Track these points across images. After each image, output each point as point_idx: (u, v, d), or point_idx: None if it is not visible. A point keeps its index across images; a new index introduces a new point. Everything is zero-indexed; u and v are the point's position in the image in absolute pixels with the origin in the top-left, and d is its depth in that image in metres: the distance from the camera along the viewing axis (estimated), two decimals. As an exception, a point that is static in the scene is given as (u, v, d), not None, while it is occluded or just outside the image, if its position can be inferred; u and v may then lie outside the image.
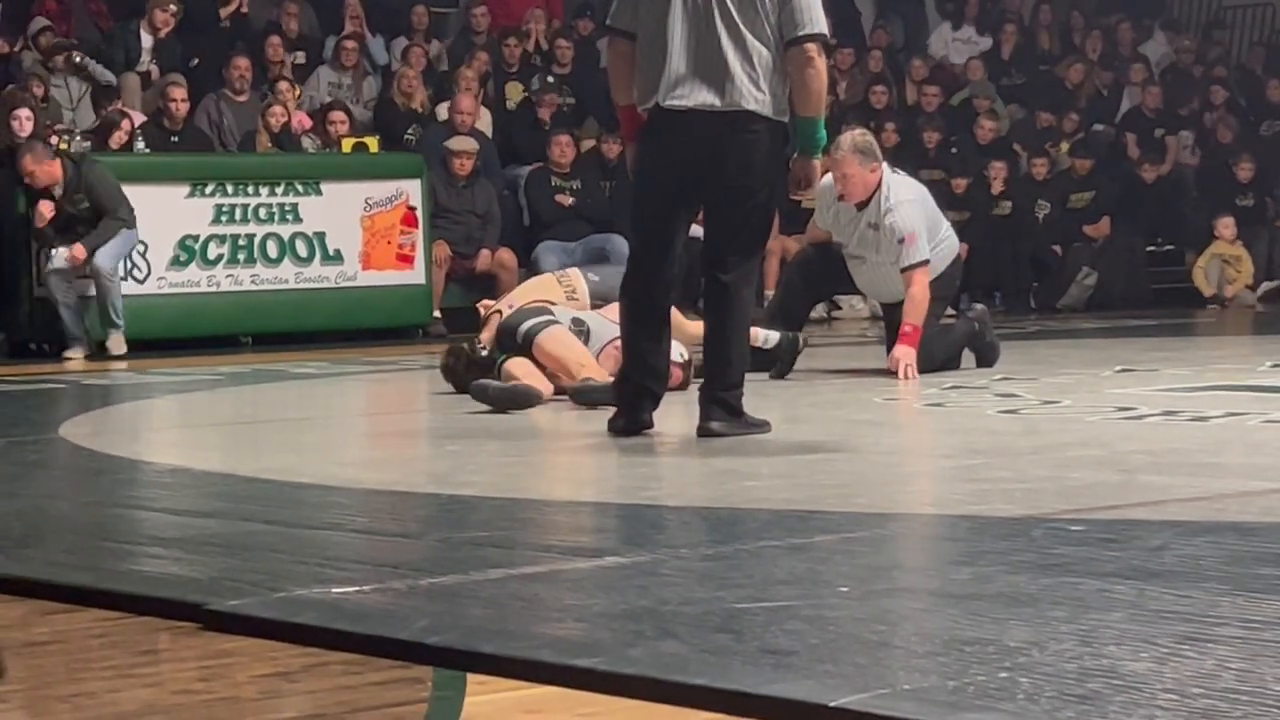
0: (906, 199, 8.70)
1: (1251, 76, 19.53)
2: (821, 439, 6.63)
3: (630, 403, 6.44)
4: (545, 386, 7.73)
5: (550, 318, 8.10)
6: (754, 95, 6.21)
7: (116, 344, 12.01)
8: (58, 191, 12.09)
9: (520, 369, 7.78)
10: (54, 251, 12.03)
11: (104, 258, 12.00)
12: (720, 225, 6.36)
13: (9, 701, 2.98)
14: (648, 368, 6.44)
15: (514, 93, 15.83)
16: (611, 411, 6.52)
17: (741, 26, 6.22)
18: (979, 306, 9.83)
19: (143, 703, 2.91)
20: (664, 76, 6.25)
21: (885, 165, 8.77)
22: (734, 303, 6.36)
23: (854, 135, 8.82)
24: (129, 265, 12.60)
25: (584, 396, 7.54)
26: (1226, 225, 16.48)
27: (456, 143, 14.14)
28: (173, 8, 14.83)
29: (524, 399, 7.53)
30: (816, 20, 6.26)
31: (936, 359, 8.76)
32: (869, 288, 8.95)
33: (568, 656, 2.97)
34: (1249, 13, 21.18)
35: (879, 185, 8.62)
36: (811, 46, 6.25)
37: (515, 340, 7.97)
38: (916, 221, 8.63)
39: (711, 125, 6.22)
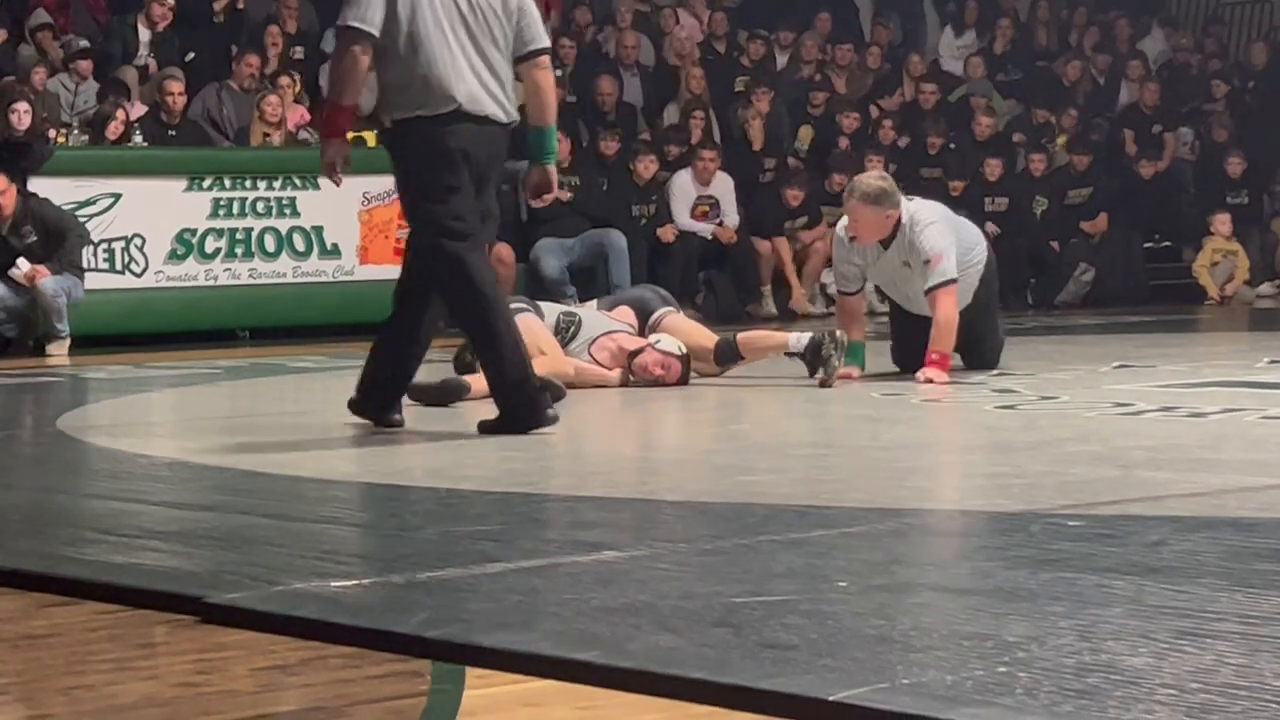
0: (929, 221, 8.52)
1: (1249, 73, 19.52)
2: (819, 434, 6.64)
3: (386, 393, 6.70)
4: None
5: (522, 306, 8.08)
6: (511, 110, 6.52)
7: (57, 349, 11.84)
8: (4, 227, 11.84)
9: None
10: (19, 261, 11.85)
11: (50, 281, 11.80)
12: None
13: (8, 694, 2.98)
14: (406, 359, 6.69)
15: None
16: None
17: (500, 43, 6.47)
18: None
19: (141, 696, 2.91)
20: (458, 85, 6.34)
21: (903, 199, 8.54)
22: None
23: (866, 181, 8.56)
24: (126, 259, 12.60)
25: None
26: (1222, 221, 16.48)
27: (454, 138, 14.11)
28: (170, 1, 14.81)
29: (452, 391, 7.59)
30: (544, 35, 6.65)
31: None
32: (905, 302, 8.80)
33: (566, 650, 2.97)
34: (1247, 9, 21.19)
35: (899, 223, 8.47)
36: (545, 59, 6.62)
37: None
38: (943, 241, 8.46)
39: (496, 134, 6.46)
